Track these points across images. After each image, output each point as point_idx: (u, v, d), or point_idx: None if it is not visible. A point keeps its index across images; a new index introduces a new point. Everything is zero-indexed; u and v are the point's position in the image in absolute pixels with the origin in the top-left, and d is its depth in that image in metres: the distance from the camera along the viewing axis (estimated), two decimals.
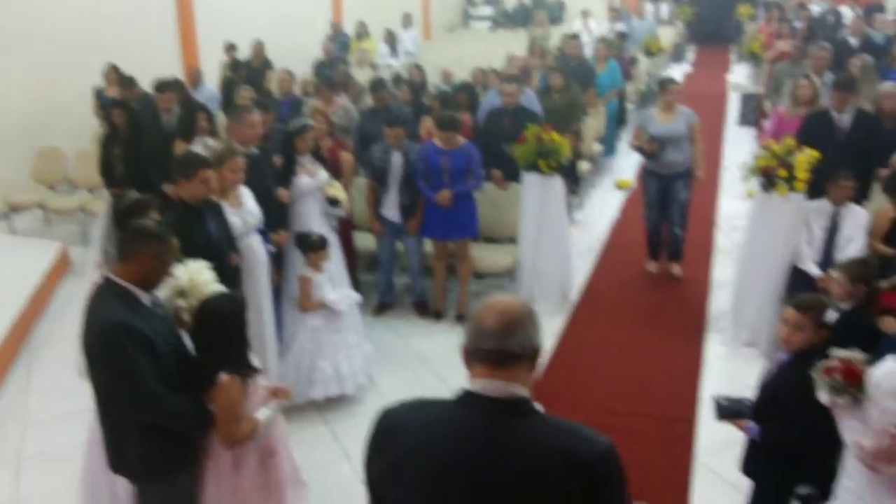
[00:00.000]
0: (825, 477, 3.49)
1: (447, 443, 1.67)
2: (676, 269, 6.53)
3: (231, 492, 2.92)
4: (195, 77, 8.88)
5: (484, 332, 1.68)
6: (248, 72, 9.10)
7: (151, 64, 8.64)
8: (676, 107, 6.20)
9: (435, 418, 1.74)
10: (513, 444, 1.64)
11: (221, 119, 7.08)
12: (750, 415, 3.04)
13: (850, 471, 2.56)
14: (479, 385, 1.69)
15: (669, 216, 6.36)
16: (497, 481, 1.62)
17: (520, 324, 1.68)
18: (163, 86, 6.50)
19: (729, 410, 3.08)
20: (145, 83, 7.61)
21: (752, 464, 3.17)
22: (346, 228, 5.70)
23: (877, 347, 3.20)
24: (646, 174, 6.45)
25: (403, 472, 1.71)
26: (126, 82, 7.58)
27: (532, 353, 1.71)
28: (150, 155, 6.11)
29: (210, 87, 9.20)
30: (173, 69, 9.32)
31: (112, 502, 3.25)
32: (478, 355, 1.69)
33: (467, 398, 1.70)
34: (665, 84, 6.28)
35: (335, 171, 5.57)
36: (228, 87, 8.90)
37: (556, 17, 17.54)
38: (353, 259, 5.91)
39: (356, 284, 5.53)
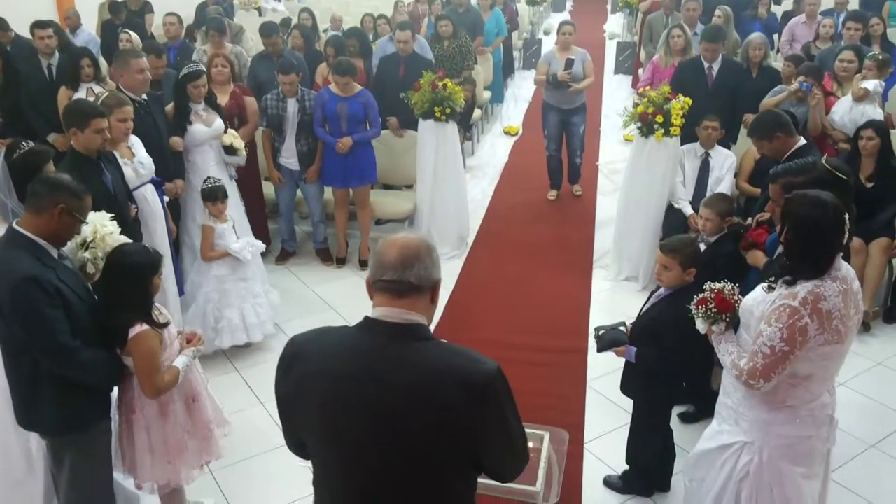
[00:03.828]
0: (701, 397, 3.97)
1: (345, 363, 1.79)
2: (577, 188, 7.35)
3: (162, 439, 2.98)
4: (73, 20, 8.31)
5: (384, 264, 1.80)
6: (127, 14, 8.59)
7: (23, 8, 7.98)
8: (572, 47, 6.76)
9: (336, 342, 1.87)
10: (405, 363, 1.76)
11: (104, 64, 6.73)
12: (626, 341, 3.37)
13: (727, 389, 2.80)
14: (378, 312, 1.82)
15: (570, 146, 7.05)
16: (390, 398, 1.74)
17: (418, 258, 1.80)
18: (40, 23, 6.07)
19: (607, 341, 3.40)
20: (18, 28, 7.05)
21: (629, 384, 3.54)
22: (253, 176, 5.65)
23: (745, 278, 3.64)
24: (546, 109, 6.99)
25: (306, 391, 1.83)
26: None
27: (429, 285, 1.83)
28: (30, 103, 5.73)
29: (89, 31, 8.63)
30: (48, 13, 8.67)
31: (26, 459, 3.21)
32: (379, 286, 1.82)
33: (367, 324, 1.83)
34: (561, 26, 6.86)
35: (241, 116, 5.48)
36: (108, 31, 8.38)
37: None
38: (262, 208, 5.89)
39: (266, 233, 5.51)
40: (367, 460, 1.79)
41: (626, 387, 3.56)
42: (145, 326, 2.84)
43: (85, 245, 3.03)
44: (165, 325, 2.97)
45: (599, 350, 3.42)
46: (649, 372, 3.34)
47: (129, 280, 2.88)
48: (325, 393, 1.80)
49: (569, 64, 6.65)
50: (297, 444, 1.98)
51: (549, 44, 13.74)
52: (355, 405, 1.76)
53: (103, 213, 3.15)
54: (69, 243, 2.93)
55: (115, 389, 3.04)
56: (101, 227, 3.06)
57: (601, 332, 3.42)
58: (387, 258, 1.80)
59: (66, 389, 2.79)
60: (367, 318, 1.84)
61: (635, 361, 3.34)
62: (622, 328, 3.42)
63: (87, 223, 2.96)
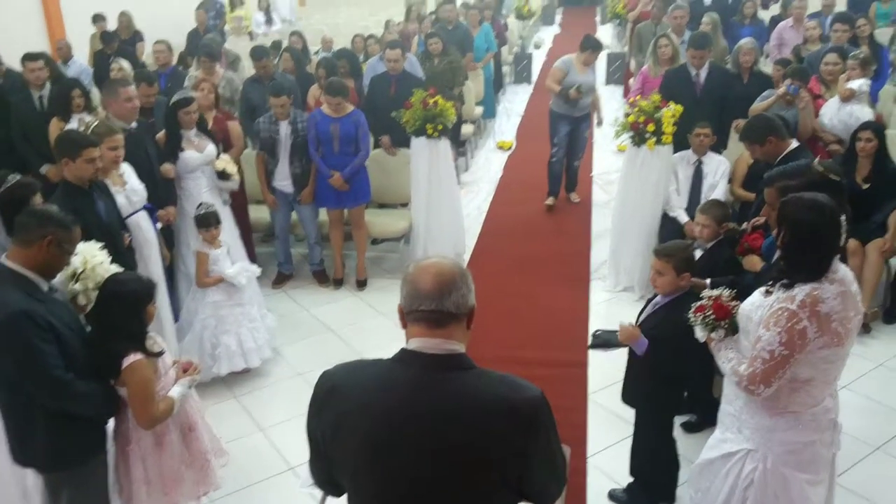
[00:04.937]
0: (703, 406, 3.94)
1: (387, 397, 1.72)
2: (575, 196, 7.50)
3: (158, 470, 2.95)
4: (64, 51, 8.35)
5: (420, 293, 1.73)
6: (119, 44, 8.64)
7: (14, 40, 8.01)
8: None
9: (374, 376, 1.79)
10: (450, 395, 1.70)
11: (96, 94, 6.74)
12: (618, 346, 3.33)
13: (729, 397, 2.78)
14: (416, 343, 1.75)
15: (573, 151, 7.16)
16: (436, 431, 1.68)
17: (454, 284, 1.74)
18: (30, 55, 6.10)
19: (601, 341, 3.39)
20: (10, 61, 7.07)
21: (630, 392, 3.51)
22: (240, 200, 5.64)
23: (742, 283, 3.61)
24: (557, 118, 7.08)
25: (346, 429, 1.75)
26: None
27: (466, 312, 1.77)
28: (21, 135, 5.73)
29: (80, 61, 8.68)
30: (39, 44, 8.71)
31: (23, 497, 3.17)
32: (415, 316, 1.75)
33: (405, 356, 1.76)
34: (597, 48, 6.99)
35: (225, 142, 5.49)
36: (100, 61, 8.42)
37: None
38: (248, 231, 5.86)
39: (253, 257, 5.50)
40: (413, 495, 1.73)
41: (627, 395, 3.53)
42: (139, 356, 2.82)
43: (75, 276, 3.02)
44: (160, 354, 2.95)
45: (591, 347, 3.41)
46: (651, 379, 3.30)
47: (124, 309, 2.86)
48: (367, 429, 1.72)
49: (587, 87, 6.87)
50: (329, 481, 1.90)
51: (539, 57, 13.89)
52: (401, 441, 1.70)
53: (93, 243, 3.15)
54: (59, 275, 2.92)
55: (111, 421, 3.01)
56: (91, 258, 3.06)
57: (598, 333, 3.41)
58: (422, 287, 1.74)
59: (61, 424, 2.77)
60: (405, 351, 1.77)
61: (641, 355, 3.28)
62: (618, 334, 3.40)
63: (76, 254, 2.94)
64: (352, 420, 1.74)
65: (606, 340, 3.34)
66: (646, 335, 3.32)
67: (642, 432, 3.51)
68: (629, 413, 3.61)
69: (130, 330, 2.86)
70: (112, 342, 2.82)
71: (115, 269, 3.10)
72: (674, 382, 3.37)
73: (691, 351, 3.02)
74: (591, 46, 6.92)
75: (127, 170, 4.31)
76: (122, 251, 3.86)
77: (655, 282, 3.32)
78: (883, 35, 7.99)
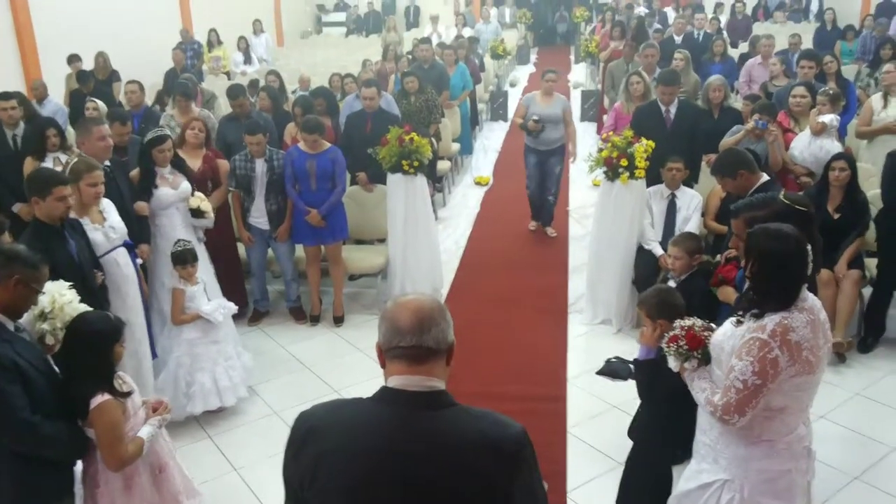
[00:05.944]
0: (684, 438, 3.93)
1: (368, 438, 1.70)
2: (551, 230, 7.59)
3: None
4: (40, 91, 8.34)
5: (399, 330, 1.72)
6: (95, 83, 8.66)
7: None
8: (554, 93, 7.13)
9: (354, 416, 1.76)
10: (433, 433, 1.69)
11: (72, 133, 6.73)
12: (625, 377, 3.32)
13: (703, 427, 2.79)
14: (397, 381, 1.73)
15: (544, 185, 7.31)
16: (420, 470, 1.66)
17: (433, 320, 1.73)
18: (4, 94, 6.09)
19: (608, 370, 3.39)
20: None
21: (638, 429, 3.50)
22: (229, 238, 5.64)
23: (717, 314, 3.64)
24: (526, 151, 7.31)
25: (325, 470, 1.71)
26: None
27: (446, 348, 1.76)
28: None
29: (56, 100, 8.66)
30: (15, 84, 8.71)
31: None
32: (394, 353, 1.74)
33: (386, 394, 1.74)
34: (544, 74, 7.19)
35: (214, 180, 5.50)
36: (76, 100, 8.42)
37: (411, 22, 17.99)
38: (238, 268, 5.88)
39: (243, 293, 5.45)
40: None
41: (633, 431, 3.51)
42: (107, 396, 2.78)
43: (43, 316, 2.97)
44: (128, 394, 2.90)
45: (598, 372, 3.41)
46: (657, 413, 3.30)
47: (91, 349, 2.83)
48: (347, 471, 1.69)
49: (549, 119, 6.99)
50: None
51: (515, 95, 14.08)
52: (383, 481, 1.67)
53: (61, 282, 3.10)
54: (26, 315, 2.88)
55: (79, 463, 2.94)
56: (59, 297, 3.02)
57: (612, 360, 3.42)
58: (401, 323, 1.73)
59: (27, 466, 2.71)
60: (385, 389, 1.75)
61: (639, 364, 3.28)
62: (631, 366, 3.39)
63: (43, 293, 2.91)
64: (331, 461, 1.71)
65: (615, 371, 3.34)
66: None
67: (637, 468, 3.45)
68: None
69: (97, 370, 2.82)
70: (79, 382, 2.78)
71: (84, 308, 3.06)
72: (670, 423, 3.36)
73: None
74: (543, 74, 7.20)
75: (108, 205, 4.26)
76: (94, 290, 3.81)
77: (645, 332, 3.28)
78: (848, 71, 8.22)
